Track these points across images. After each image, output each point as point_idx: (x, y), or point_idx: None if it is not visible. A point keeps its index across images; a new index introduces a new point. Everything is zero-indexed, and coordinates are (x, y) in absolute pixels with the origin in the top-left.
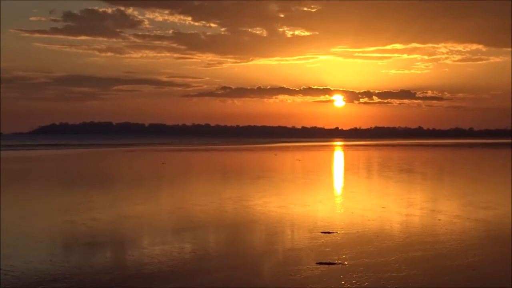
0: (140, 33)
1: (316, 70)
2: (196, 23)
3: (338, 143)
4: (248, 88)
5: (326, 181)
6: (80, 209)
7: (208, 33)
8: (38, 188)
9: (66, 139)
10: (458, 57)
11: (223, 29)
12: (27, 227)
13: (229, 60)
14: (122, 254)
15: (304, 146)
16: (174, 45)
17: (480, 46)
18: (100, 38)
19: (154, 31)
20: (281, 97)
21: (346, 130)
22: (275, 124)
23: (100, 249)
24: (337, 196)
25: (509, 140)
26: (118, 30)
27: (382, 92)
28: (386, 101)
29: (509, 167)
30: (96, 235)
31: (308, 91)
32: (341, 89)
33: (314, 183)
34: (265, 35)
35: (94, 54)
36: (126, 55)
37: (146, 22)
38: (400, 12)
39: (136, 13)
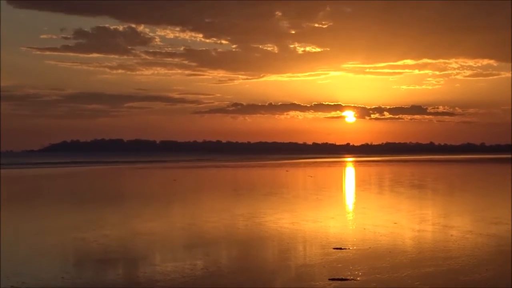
0: (151, 50)
1: (327, 86)
2: (207, 40)
3: (350, 159)
4: (259, 104)
5: (338, 197)
6: (91, 226)
7: (219, 49)
8: (49, 206)
9: (77, 156)
10: (469, 72)
11: (234, 45)
12: (39, 244)
13: (240, 76)
14: (134, 271)
15: (315, 162)
16: (185, 62)
17: (491, 61)
18: (111, 56)
19: (165, 48)
20: (292, 113)
21: (357, 146)
22: (286, 141)
23: (112, 266)
24: (349, 212)
25: None
26: (129, 47)
27: (393, 107)
28: (397, 116)
29: None
30: (108, 252)
31: (319, 107)
32: (352, 105)
33: (326, 199)
34: (276, 52)
35: (105, 71)
36: (138, 72)
37: (157, 39)
38: (411, 28)
39: (147, 30)
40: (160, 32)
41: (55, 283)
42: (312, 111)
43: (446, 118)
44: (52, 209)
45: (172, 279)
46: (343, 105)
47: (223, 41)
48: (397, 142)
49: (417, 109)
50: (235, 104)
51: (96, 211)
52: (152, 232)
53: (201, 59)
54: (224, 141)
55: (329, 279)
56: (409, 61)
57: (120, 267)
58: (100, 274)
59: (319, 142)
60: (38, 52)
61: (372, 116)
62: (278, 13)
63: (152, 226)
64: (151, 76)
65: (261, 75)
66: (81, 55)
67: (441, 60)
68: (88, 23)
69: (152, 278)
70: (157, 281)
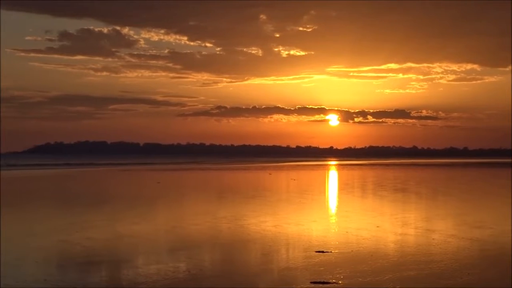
0: (135, 53)
1: (311, 90)
2: (192, 43)
3: (333, 163)
4: (243, 107)
5: (320, 200)
6: (75, 229)
7: (204, 52)
8: (33, 208)
9: (61, 158)
10: (453, 76)
11: (218, 48)
12: (21, 247)
13: (224, 79)
14: (117, 273)
15: (298, 165)
16: (170, 64)
17: (475, 66)
18: (96, 58)
19: (150, 51)
20: (276, 116)
21: (340, 150)
22: (270, 144)
23: (95, 268)
24: (331, 215)
25: (504, 160)
26: (113, 49)
27: (376, 111)
28: (380, 120)
29: (503, 186)
30: (91, 255)
31: (303, 110)
32: (336, 108)
33: (308, 203)
34: (260, 55)
35: (89, 73)
36: (122, 75)
37: (142, 42)
38: (395, 32)
39: (131, 32)
40: (145, 34)
41: (38, 285)
42: (296, 114)
43: (430, 122)
44: (35, 212)
45: (155, 281)
46: (327, 108)
47: (208, 44)
48: (380, 145)
49: (400, 113)
50: (219, 107)
51: (79, 214)
52: (136, 235)
53: (186, 62)
54: (207, 143)
55: (311, 282)
56: (393, 65)
57: (103, 269)
58: (83, 276)
59: (303, 145)
60: (23, 54)
61: (356, 119)
62: (263, 17)
63: (135, 229)
64: (136, 78)
65: (245, 78)
66: (66, 57)
67: (425, 65)
68: (72, 25)
69: (135, 280)
70: (140, 284)
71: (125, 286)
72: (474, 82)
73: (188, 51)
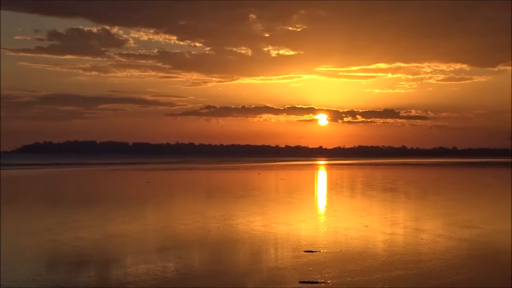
0: (125, 52)
1: (300, 89)
2: (181, 43)
3: (322, 162)
4: (233, 107)
5: (309, 200)
6: (64, 228)
7: (193, 52)
8: (22, 208)
9: (50, 158)
10: (442, 76)
11: (208, 48)
12: (11, 246)
13: (213, 79)
14: (106, 273)
15: (288, 165)
16: (159, 64)
17: (464, 66)
18: (85, 57)
19: (139, 50)
20: (265, 116)
21: (329, 149)
22: (259, 143)
23: (84, 268)
24: (320, 215)
25: (493, 159)
26: (103, 49)
27: (366, 111)
28: (370, 120)
29: (492, 186)
30: (80, 254)
31: (292, 110)
32: (325, 108)
33: (297, 202)
34: (250, 55)
35: (79, 73)
36: (111, 74)
37: (131, 41)
38: (385, 32)
39: (121, 32)
40: (134, 34)
41: (27, 285)
42: (285, 114)
43: (419, 122)
44: (24, 211)
45: (144, 281)
46: (316, 108)
47: (197, 44)
48: (369, 145)
49: (389, 112)
50: (208, 107)
51: (69, 213)
52: (125, 234)
53: (175, 61)
54: (197, 143)
55: (300, 282)
56: (382, 65)
57: (92, 269)
58: (72, 276)
59: (292, 145)
60: (12, 53)
61: (345, 119)
62: (253, 16)
63: (125, 228)
64: (125, 78)
65: (235, 78)
66: (55, 57)
67: (414, 64)
68: (62, 24)
69: (124, 280)
70: (129, 283)
71: (114, 286)
72: (463, 82)
73: (178, 51)
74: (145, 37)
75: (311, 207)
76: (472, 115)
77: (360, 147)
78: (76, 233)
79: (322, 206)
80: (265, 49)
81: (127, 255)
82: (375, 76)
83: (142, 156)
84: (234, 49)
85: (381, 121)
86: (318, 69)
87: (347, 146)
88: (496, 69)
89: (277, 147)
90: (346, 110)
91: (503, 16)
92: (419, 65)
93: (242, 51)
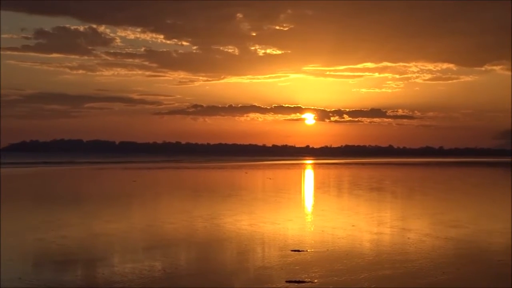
0: (112, 51)
1: (287, 89)
2: (168, 41)
3: (309, 161)
4: (220, 106)
5: (296, 199)
6: (50, 227)
7: (180, 51)
8: (7, 207)
9: (37, 156)
10: (429, 76)
11: (195, 47)
12: None
13: (200, 78)
14: (92, 272)
15: (275, 164)
16: (146, 63)
17: (451, 65)
18: (72, 56)
19: (126, 49)
20: (252, 115)
21: (316, 148)
22: (246, 142)
23: (70, 267)
24: (307, 214)
25: (480, 159)
26: (90, 47)
27: (353, 110)
28: (356, 119)
29: (478, 185)
30: (66, 253)
31: (279, 109)
32: (312, 107)
33: (284, 202)
34: (237, 54)
35: (65, 71)
36: (98, 73)
37: (118, 40)
38: (372, 31)
39: (108, 31)
40: (121, 32)
41: (12, 284)
42: (272, 113)
43: (405, 121)
44: (10, 210)
45: (130, 280)
46: (303, 107)
47: (184, 43)
48: (356, 144)
49: (376, 112)
50: (195, 106)
51: (55, 212)
52: (111, 233)
53: (162, 60)
54: (184, 142)
55: (287, 281)
56: (369, 65)
57: (78, 268)
58: (58, 275)
59: (279, 144)
60: None
61: (332, 118)
62: (240, 15)
63: (111, 227)
64: (112, 76)
65: (222, 77)
66: (42, 55)
67: (401, 64)
68: (49, 23)
69: (110, 279)
70: (115, 283)
71: (100, 285)
72: (450, 81)
73: (165, 50)
74: (132, 36)
75: (298, 206)
76: (459, 115)
77: (347, 146)
78: (62, 232)
79: (309, 205)
80: (252, 48)
81: (114, 254)
82: (362, 75)
83: (128, 155)
84: (221, 48)
85: (368, 121)
86: (305, 68)
87: (334, 145)
88: (483, 68)
89: (264, 146)
90: (333, 109)
91: (490, 16)
92: (406, 64)
93: (229, 50)
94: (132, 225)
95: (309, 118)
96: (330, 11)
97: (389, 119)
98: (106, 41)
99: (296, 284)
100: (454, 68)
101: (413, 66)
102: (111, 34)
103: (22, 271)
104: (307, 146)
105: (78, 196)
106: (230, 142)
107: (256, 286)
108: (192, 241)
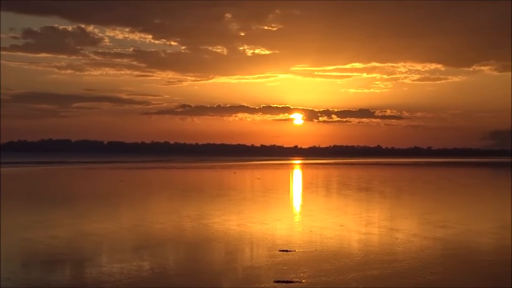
0: (100, 51)
1: (276, 89)
2: (157, 41)
3: (297, 162)
4: (208, 106)
5: (285, 199)
6: (38, 227)
7: (169, 51)
8: None
9: (24, 156)
10: (417, 76)
11: (183, 47)
12: None
13: (189, 78)
14: (80, 272)
15: (263, 164)
16: (134, 62)
17: (439, 66)
18: (60, 56)
19: (114, 49)
20: (241, 115)
21: (305, 149)
22: (235, 142)
23: (59, 266)
24: (295, 214)
25: (468, 159)
26: (78, 47)
27: (341, 111)
28: (345, 119)
29: (466, 186)
30: (55, 253)
31: (267, 109)
32: (301, 107)
33: (273, 202)
34: (225, 54)
35: (54, 71)
36: (86, 73)
37: (107, 40)
38: (360, 31)
39: (96, 30)
40: (110, 32)
41: (1, 284)
42: (260, 113)
43: (394, 121)
44: None
45: (118, 280)
46: (292, 107)
47: (173, 43)
48: (344, 145)
49: (364, 112)
50: (184, 106)
51: (43, 212)
52: (99, 233)
53: (150, 60)
54: (172, 142)
55: (275, 281)
56: (357, 65)
57: (66, 268)
58: (46, 275)
59: (267, 144)
60: None
61: (320, 119)
62: (228, 15)
63: (99, 227)
64: (100, 76)
65: (210, 77)
66: (30, 55)
67: (389, 64)
68: (37, 22)
69: (98, 279)
70: (104, 282)
71: (89, 285)
72: (438, 82)
73: (153, 50)
74: (120, 36)
75: (286, 206)
76: (447, 115)
77: (335, 146)
78: (50, 231)
79: (297, 205)
80: (241, 48)
81: (102, 254)
82: (351, 75)
83: (117, 155)
84: (209, 48)
85: (356, 121)
86: (293, 68)
87: (323, 145)
88: (471, 69)
89: (252, 146)
90: (321, 109)
91: (478, 16)
92: (394, 65)
93: (218, 50)
94: (120, 225)
95: (298, 118)
96: (318, 11)
97: (378, 120)
98: (94, 41)
99: (285, 284)
100: (442, 69)
101: (402, 67)
102: (100, 34)
103: (10, 270)
104: (296, 146)
105: (67, 196)
106: (218, 142)
107: (244, 286)
108: (180, 241)
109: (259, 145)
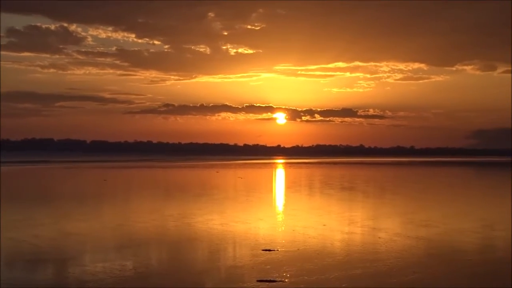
0: (83, 50)
1: (259, 88)
2: (140, 40)
3: (280, 161)
4: (191, 105)
5: (267, 198)
6: (21, 226)
7: (152, 50)
8: None
9: (7, 156)
10: (400, 75)
11: (166, 46)
12: None
13: (172, 77)
14: (63, 271)
15: (246, 163)
16: (117, 62)
17: (422, 65)
18: (43, 55)
19: (98, 48)
20: (224, 114)
21: (288, 148)
22: (218, 142)
23: (42, 266)
24: (278, 214)
25: (450, 159)
26: (61, 46)
27: (324, 110)
28: (328, 119)
29: (449, 185)
30: (38, 252)
31: (250, 108)
32: (284, 107)
33: (255, 201)
34: (208, 53)
35: (36, 70)
36: (69, 72)
37: (90, 39)
38: (343, 31)
39: (79, 29)
40: (93, 31)
41: None
42: (243, 112)
43: (376, 121)
44: None
45: (101, 279)
46: (275, 107)
47: (156, 42)
48: (327, 144)
49: (347, 111)
50: (167, 105)
51: (26, 211)
52: (82, 233)
53: (133, 59)
54: (155, 141)
55: (258, 281)
56: (340, 64)
57: (50, 267)
58: (29, 274)
59: (250, 143)
60: None
61: (303, 118)
62: (211, 14)
63: (82, 227)
64: (83, 75)
65: (193, 76)
66: (13, 54)
67: (372, 63)
68: (20, 21)
69: (81, 278)
70: (86, 282)
71: (72, 285)
72: (421, 81)
73: (136, 49)
74: (103, 35)
75: (269, 206)
76: (430, 115)
77: (318, 145)
78: (33, 231)
79: (280, 205)
80: (224, 47)
81: (85, 253)
82: (334, 75)
83: (100, 154)
84: (192, 47)
85: (339, 120)
86: (277, 67)
87: (305, 144)
88: (454, 68)
89: (235, 146)
90: (304, 109)
91: (461, 15)
92: (377, 64)
93: (201, 49)
94: (103, 224)
95: (281, 118)
96: (301, 10)
97: (360, 119)
98: (77, 40)
99: (267, 283)
100: (425, 68)
101: (384, 66)
102: (83, 33)
103: None
104: (279, 146)
105: (50, 195)
106: (201, 141)
107: (227, 286)
108: (163, 240)
109: (242, 145)
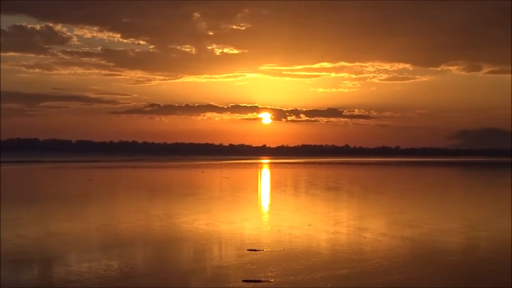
0: (68, 50)
1: (244, 88)
2: (125, 40)
3: (266, 161)
4: (176, 105)
5: (253, 198)
6: (5, 226)
7: (137, 50)
8: None
9: None
10: (385, 76)
11: (152, 46)
12: None
13: (157, 77)
14: (48, 271)
15: (231, 163)
16: (103, 62)
17: (407, 65)
18: (28, 54)
19: (83, 48)
20: (209, 114)
21: (273, 148)
22: (203, 142)
23: (26, 266)
24: (264, 214)
25: (435, 159)
26: (46, 46)
27: (309, 110)
28: (313, 119)
29: (434, 185)
30: (22, 253)
31: (236, 108)
32: (269, 107)
33: (241, 201)
34: (194, 53)
35: (21, 70)
36: (54, 72)
37: (75, 39)
38: (329, 31)
39: (64, 29)
40: (78, 31)
41: None
42: (229, 112)
43: (362, 121)
44: None
45: (87, 279)
46: (260, 107)
47: (141, 42)
48: (313, 144)
49: (333, 111)
50: (152, 105)
51: (10, 211)
52: (67, 233)
53: (119, 59)
54: (140, 141)
55: (243, 281)
56: (326, 64)
57: (34, 267)
58: (14, 274)
59: (236, 143)
60: None
61: (289, 118)
62: (197, 15)
63: (67, 227)
64: (68, 75)
65: (179, 76)
66: None
67: (358, 64)
68: (5, 21)
69: (67, 279)
70: (72, 282)
71: (57, 285)
72: (406, 81)
73: (121, 49)
74: (89, 35)
75: (255, 205)
76: (415, 115)
77: (303, 145)
78: (18, 231)
79: (265, 205)
80: (209, 47)
81: (70, 253)
82: (319, 75)
83: (85, 154)
84: (178, 47)
85: (325, 120)
86: (262, 68)
87: (291, 144)
88: (439, 69)
89: (221, 146)
90: (290, 109)
91: (446, 16)
92: (363, 64)
93: (186, 49)
94: (88, 224)
95: (266, 118)
96: (287, 10)
97: (346, 119)
98: (62, 40)
99: (253, 283)
100: (411, 68)
101: (370, 66)
102: (68, 33)
103: None
104: (264, 146)
105: (34, 195)
106: (187, 141)
107: (212, 286)
108: (149, 240)
109: (227, 144)
